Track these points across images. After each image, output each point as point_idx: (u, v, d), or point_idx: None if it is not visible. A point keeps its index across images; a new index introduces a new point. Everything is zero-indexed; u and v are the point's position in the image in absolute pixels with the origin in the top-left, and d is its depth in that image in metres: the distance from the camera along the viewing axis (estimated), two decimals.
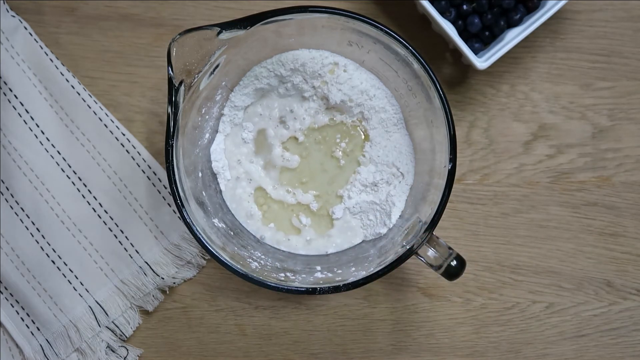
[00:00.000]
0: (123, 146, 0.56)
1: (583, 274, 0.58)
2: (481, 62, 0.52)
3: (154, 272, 0.56)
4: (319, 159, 0.55)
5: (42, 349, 0.55)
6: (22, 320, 0.55)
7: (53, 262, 0.55)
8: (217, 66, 0.48)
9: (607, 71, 0.58)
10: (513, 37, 0.53)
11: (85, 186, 0.56)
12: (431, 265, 0.47)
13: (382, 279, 0.50)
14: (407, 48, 0.46)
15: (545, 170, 0.58)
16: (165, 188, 0.56)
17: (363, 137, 0.54)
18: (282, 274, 0.48)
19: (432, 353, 0.57)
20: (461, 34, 0.55)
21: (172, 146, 0.45)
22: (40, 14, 0.57)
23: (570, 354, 0.58)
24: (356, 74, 0.53)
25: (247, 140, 0.55)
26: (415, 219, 0.49)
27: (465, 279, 0.57)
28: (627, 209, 0.58)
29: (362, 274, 0.46)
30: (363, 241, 0.54)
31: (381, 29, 0.46)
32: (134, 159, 0.56)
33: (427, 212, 0.47)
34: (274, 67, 0.53)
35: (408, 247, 0.45)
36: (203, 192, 0.51)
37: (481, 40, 0.55)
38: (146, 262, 0.56)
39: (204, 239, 0.46)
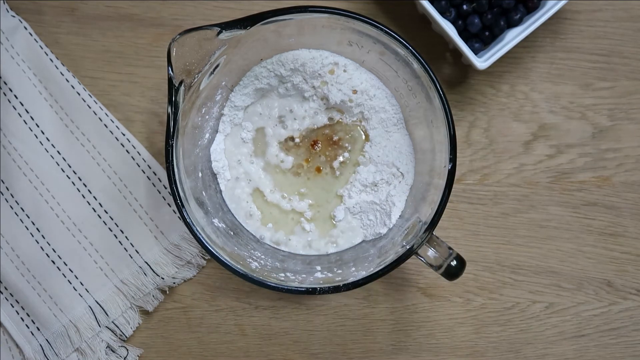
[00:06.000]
0: (123, 146, 0.56)
1: (583, 274, 0.58)
2: (481, 62, 0.52)
3: (154, 272, 0.56)
4: (315, 166, 0.54)
5: (42, 349, 0.55)
6: (22, 320, 0.55)
7: (53, 262, 0.55)
8: (217, 66, 0.47)
9: (607, 71, 0.58)
10: (513, 37, 0.53)
11: (85, 186, 0.56)
12: (431, 265, 0.47)
13: (382, 279, 0.50)
14: (407, 48, 0.46)
15: (545, 170, 0.58)
16: (165, 188, 0.56)
17: (363, 137, 0.54)
18: (282, 274, 0.48)
19: (432, 353, 0.57)
20: (461, 34, 0.55)
21: (172, 146, 0.45)
22: (40, 14, 0.57)
23: (570, 354, 0.58)
24: (356, 74, 0.53)
25: (246, 140, 0.55)
26: (415, 219, 0.49)
27: (465, 279, 0.57)
28: (627, 209, 0.58)
29: (362, 274, 0.46)
30: (363, 241, 0.54)
31: (381, 29, 0.46)
32: (134, 159, 0.56)
33: (427, 212, 0.47)
34: (274, 67, 0.53)
35: (408, 247, 0.45)
36: (203, 192, 0.51)
37: (481, 40, 0.55)
38: (146, 262, 0.56)
39: (204, 239, 0.46)
